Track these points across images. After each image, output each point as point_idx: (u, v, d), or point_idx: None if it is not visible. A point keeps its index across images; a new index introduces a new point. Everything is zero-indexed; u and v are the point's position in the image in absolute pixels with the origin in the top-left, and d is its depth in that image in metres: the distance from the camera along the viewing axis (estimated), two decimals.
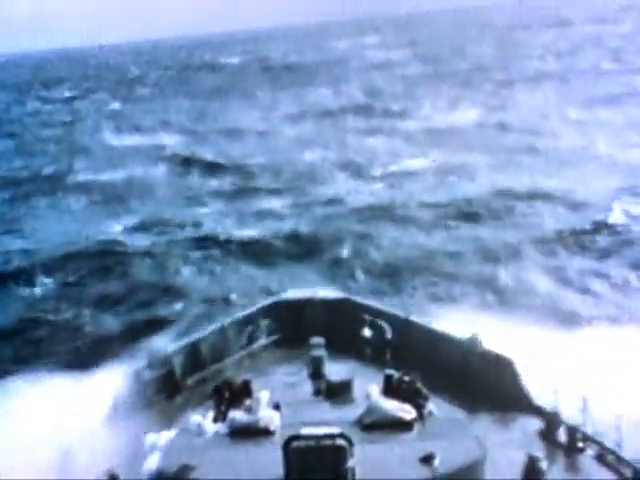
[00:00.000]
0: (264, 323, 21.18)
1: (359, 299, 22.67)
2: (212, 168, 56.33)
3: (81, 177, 57.26)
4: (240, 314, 21.71)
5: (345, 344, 19.56)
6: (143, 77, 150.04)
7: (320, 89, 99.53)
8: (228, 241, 39.24)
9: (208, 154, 61.00)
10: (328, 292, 23.06)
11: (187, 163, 58.91)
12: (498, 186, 45.76)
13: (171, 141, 69.94)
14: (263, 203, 46.67)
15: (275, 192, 49.01)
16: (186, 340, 20.00)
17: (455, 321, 20.12)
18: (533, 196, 43.99)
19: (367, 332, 20.35)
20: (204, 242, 39.67)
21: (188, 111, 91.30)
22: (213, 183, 52.65)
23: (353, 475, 11.49)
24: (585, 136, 57.78)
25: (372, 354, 19.54)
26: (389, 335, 19.82)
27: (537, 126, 63.46)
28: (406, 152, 57.45)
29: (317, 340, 18.47)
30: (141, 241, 40.12)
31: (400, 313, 21.22)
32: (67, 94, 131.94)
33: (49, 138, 79.33)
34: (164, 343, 20.68)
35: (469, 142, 59.11)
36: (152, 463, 12.87)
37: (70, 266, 36.36)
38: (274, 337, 21.29)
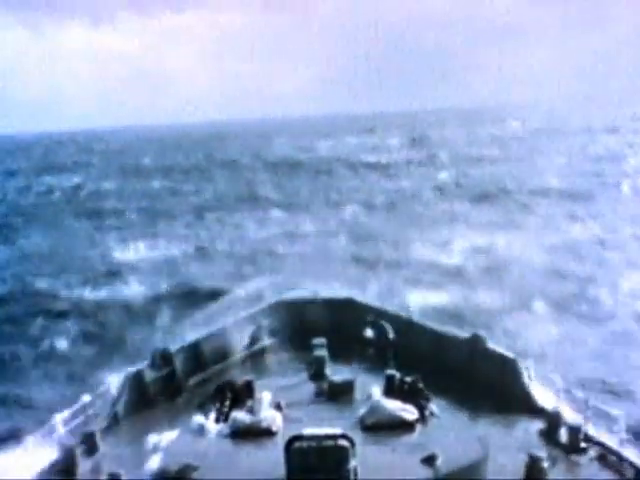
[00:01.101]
0: (266, 323, 21.20)
1: (361, 299, 22.80)
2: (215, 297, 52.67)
3: (76, 296, 52.35)
4: (242, 314, 21.75)
5: (347, 344, 19.59)
6: (153, 168, 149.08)
7: (324, 202, 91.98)
8: None
9: (212, 279, 57.70)
10: (330, 292, 23.21)
11: (191, 292, 55.15)
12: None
13: (176, 254, 66.65)
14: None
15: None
16: (188, 340, 19.98)
17: None
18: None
19: (369, 332, 20.39)
20: None
21: (194, 217, 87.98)
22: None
23: (355, 476, 11.48)
24: None
25: (374, 354, 19.55)
26: (391, 335, 19.76)
27: (580, 264, 49.50)
28: (420, 293, 45.21)
29: (319, 340, 18.57)
30: None
31: (402, 313, 21.32)
32: (75, 180, 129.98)
33: (49, 246, 75.87)
34: (166, 343, 20.31)
35: (497, 281, 47.25)
36: (154, 464, 12.85)
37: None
38: (276, 337, 21.25)
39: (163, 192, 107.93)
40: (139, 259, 61.75)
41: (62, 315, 46.06)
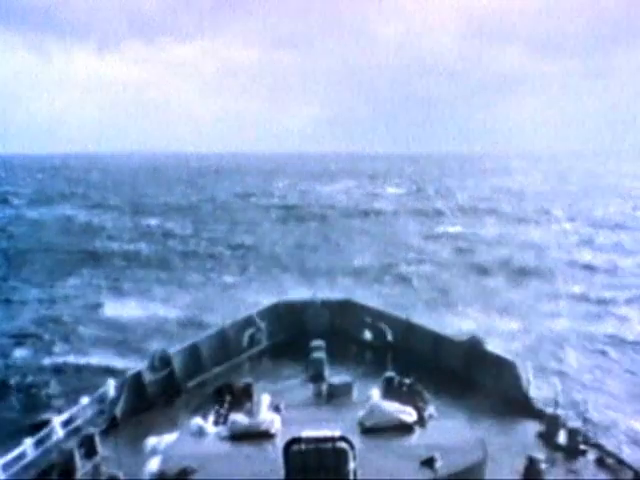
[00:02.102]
0: (264, 325, 21.15)
1: (360, 301, 22.78)
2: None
3: (61, 361, 51.19)
4: (241, 316, 21.75)
5: (346, 346, 19.68)
6: (149, 204, 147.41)
7: (325, 261, 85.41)
8: None
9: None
10: (329, 294, 23.22)
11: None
12: None
13: (170, 319, 62.85)
14: None
15: None
16: (187, 343, 19.97)
17: None
18: None
19: (368, 334, 20.62)
20: None
21: (190, 270, 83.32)
22: None
23: (354, 478, 11.45)
24: None
25: (373, 356, 19.67)
26: (390, 337, 19.89)
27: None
28: None
29: (318, 343, 18.59)
30: None
31: (401, 315, 21.27)
32: (68, 212, 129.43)
33: (35, 299, 71.77)
34: (165, 346, 20.26)
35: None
36: (153, 466, 12.84)
37: None
38: (275, 339, 21.29)
39: (158, 233, 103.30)
40: (129, 319, 58.01)
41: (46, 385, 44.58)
